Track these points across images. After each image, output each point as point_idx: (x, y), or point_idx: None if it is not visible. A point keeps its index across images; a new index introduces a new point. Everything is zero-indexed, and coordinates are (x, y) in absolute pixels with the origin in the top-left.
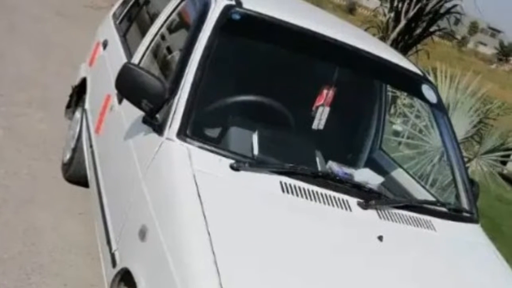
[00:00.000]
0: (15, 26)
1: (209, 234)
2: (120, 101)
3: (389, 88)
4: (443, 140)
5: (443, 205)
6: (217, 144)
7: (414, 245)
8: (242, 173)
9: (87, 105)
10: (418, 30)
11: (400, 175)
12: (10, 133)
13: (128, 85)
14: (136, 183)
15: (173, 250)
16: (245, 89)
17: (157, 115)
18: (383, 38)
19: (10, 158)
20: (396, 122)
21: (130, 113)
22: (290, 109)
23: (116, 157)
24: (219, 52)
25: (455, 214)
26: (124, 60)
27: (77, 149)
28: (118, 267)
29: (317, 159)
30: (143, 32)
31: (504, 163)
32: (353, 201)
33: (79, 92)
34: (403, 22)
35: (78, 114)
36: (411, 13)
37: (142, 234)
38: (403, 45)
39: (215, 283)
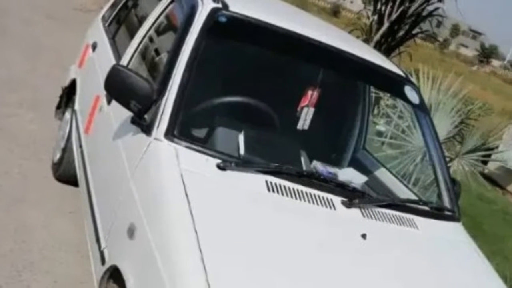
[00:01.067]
0: (6, 29)
1: (196, 232)
2: (109, 102)
3: (372, 89)
4: (426, 140)
5: (425, 203)
6: (204, 144)
7: (397, 243)
8: (228, 172)
9: (76, 106)
10: (401, 33)
11: (383, 175)
12: (2, 133)
13: (117, 86)
14: (125, 182)
15: (161, 248)
16: (231, 90)
17: (145, 116)
18: (367, 40)
19: (2, 158)
20: (379, 123)
21: (119, 113)
22: (276, 109)
23: (105, 157)
24: (206, 54)
25: (437, 213)
26: (113, 61)
27: (67, 149)
28: (107, 265)
29: (302, 159)
30: (131, 34)
31: (485, 162)
32: (337, 200)
33: (69, 93)
34: (386, 25)
35: (68, 115)
36: (394, 16)
37: (131, 232)
38: (386, 47)
39: (202, 280)
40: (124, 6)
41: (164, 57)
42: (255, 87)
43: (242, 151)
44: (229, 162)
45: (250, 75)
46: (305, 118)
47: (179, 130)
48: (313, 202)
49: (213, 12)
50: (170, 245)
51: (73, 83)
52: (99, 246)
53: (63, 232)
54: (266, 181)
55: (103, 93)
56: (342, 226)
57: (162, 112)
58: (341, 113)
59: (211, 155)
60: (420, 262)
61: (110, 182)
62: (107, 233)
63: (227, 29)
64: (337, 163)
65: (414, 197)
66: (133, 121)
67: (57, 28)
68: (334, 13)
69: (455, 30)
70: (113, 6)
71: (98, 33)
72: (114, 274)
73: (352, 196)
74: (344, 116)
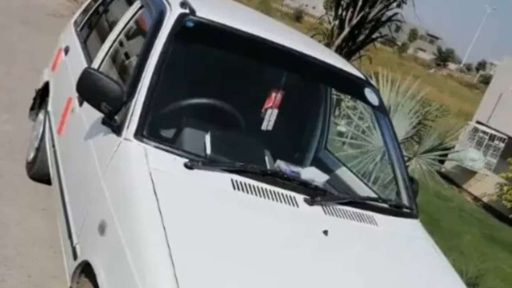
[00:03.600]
0: None
1: (164, 228)
2: (80, 104)
3: (333, 91)
4: (385, 140)
5: (384, 201)
6: (172, 144)
7: (357, 239)
8: (195, 171)
9: (50, 107)
10: (361, 37)
11: (344, 173)
12: None
13: (88, 89)
14: (96, 181)
15: (130, 243)
16: (198, 93)
17: (116, 117)
18: (328, 45)
19: None
20: (341, 123)
21: (90, 115)
22: (241, 111)
23: (77, 156)
24: (174, 57)
25: (396, 210)
26: (84, 65)
27: (40, 149)
28: (79, 260)
29: (266, 158)
30: (102, 39)
31: (442, 162)
32: (300, 197)
33: (42, 95)
34: (347, 29)
35: (41, 116)
36: (354, 21)
37: (102, 228)
38: (347, 51)
39: (170, 274)
40: (95, 11)
41: (133, 60)
42: (221, 90)
43: (208, 150)
44: (196, 161)
45: (216, 78)
46: (269, 119)
47: (148, 131)
48: (277, 200)
49: (181, 18)
50: (140, 241)
51: (46, 86)
52: (71, 242)
53: (36, 228)
54: (232, 180)
55: (75, 95)
56: (304, 222)
57: (132, 113)
58: (303, 114)
59: (179, 155)
60: (380, 257)
61: (82, 181)
62: (79, 230)
63: (194, 34)
64: (300, 162)
65: (373, 195)
66: (104, 122)
67: (31, 33)
68: (297, 18)
69: (413, 35)
70: (85, 11)
71: (70, 37)
72: (86, 269)
73: (314, 194)
74: (306, 117)
